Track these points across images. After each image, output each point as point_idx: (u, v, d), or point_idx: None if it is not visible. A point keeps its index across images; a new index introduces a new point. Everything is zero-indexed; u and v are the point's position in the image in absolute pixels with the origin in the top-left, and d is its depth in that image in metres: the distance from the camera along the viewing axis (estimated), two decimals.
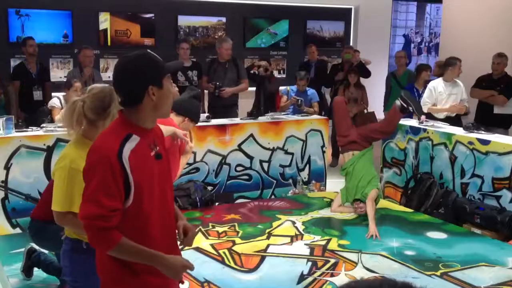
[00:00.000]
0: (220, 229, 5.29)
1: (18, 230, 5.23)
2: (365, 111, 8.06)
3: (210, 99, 7.16)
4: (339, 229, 5.41)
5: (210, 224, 5.40)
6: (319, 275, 4.34)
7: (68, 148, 2.78)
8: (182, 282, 2.41)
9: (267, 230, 5.28)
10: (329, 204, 6.09)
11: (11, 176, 5.17)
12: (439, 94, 6.59)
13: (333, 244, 4.97)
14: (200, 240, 4.98)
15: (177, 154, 3.94)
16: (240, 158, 6.34)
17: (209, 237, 5.08)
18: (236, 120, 6.53)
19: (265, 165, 6.49)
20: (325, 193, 6.67)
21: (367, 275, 4.35)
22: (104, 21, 8.36)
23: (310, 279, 4.27)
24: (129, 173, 2.08)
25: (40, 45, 7.25)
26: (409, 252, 4.83)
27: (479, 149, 5.59)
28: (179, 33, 8.85)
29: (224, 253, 4.73)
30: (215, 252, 4.74)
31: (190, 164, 6.03)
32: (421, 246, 4.98)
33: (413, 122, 6.47)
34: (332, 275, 4.34)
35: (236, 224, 5.43)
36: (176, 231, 2.37)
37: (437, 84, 6.63)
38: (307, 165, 6.78)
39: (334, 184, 6.79)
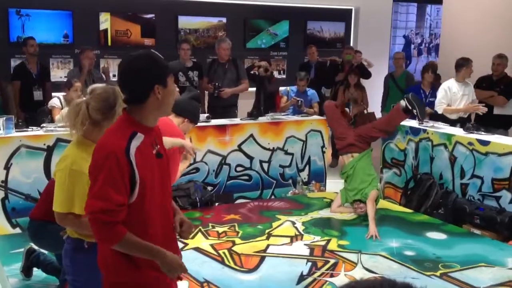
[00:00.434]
0: (220, 229, 5.29)
1: (18, 230, 5.23)
2: (365, 111, 8.06)
3: (209, 100, 7.17)
4: (338, 230, 5.41)
5: (210, 224, 5.40)
6: (319, 276, 4.34)
7: (69, 149, 2.78)
8: (181, 279, 2.48)
9: (267, 231, 5.28)
10: (329, 204, 6.09)
11: (11, 176, 5.17)
12: (453, 94, 6.61)
13: (333, 245, 4.97)
14: (200, 240, 4.98)
15: (177, 158, 3.94)
16: (240, 159, 6.34)
17: (209, 237, 5.08)
18: (236, 121, 6.53)
19: (265, 165, 6.49)
20: (325, 193, 6.67)
21: (366, 275, 4.35)
22: (105, 21, 8.36)
23: (309, 279, 4.27)
24: (135, 169, 2.14)
25: (40, 45, 7.25)
26: (408, 253, 4.83)
27: (479, 149, 5.60)
28: (179, 33, 8.85)
29: (224, 253, 4.73)
30: (215, 252, 4.74)
31: (190, 164, 6.02)
32: (421, 246, 4.98)
33: (413, 123, 6.47)
34: (331, 276, 4.34)
35: (236, 224, 5.44)
36: (174, 226, 2.43)
37: (451, 85, 6.66)
38: (307, 166, 6.78)
39: (334, 184, 6.79)
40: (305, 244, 4.97)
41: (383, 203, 6.20)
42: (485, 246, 5.01)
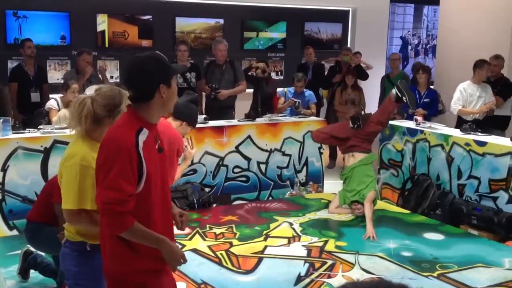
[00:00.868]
0: (217, 230, 5.29)
1: (15, 232, 5.22)
2: (363, 112, 8.07)
3: (207, 101, 7.17)
4: (336, 231, 5.41)
5: (207, 225, 5.40)
6: (316, 277, 4.34)
7: (76, 146, 2.73)
8: (173, 270, 2.60)
9: (265, 232, 5.28)
10: (326, 205, 6.09)
11: (8, 178, 5.17)
12: (469, 95, 6.66)
13: (331, 246, 4.98)
14: (197, 242, 4.98)
15: (174, 158, 3.95)
16: (237, 160, 6.34)
17: (207, 239, 5.07)
18: (234, 122, 6.53)
19: (263, 166, 6.50)
20: (322, 194, 6.67)
21: (364, 276, 4.35)
22: (102, 22, 8.35)
23: (307, 280, 4.28)
24: (143, 162, 2.29)
25: (37, 46, 7.24)
26: (406, 253, 4.84)
27: (476, 150, 5.61)
28: (176, 33, 8.85)
29: (222, 254, 4.73)
30: (212, 254, 4.74)
31: (187, 166, 6.03)
32: (418, 247, 4.99)
33: (410, 124, 6.49)
34: (329, 277, 4.35)
35: (233, 225, 5.43)
36: (173, 218, 2.59)
37: (467, 86, 6.70)
38: (305, 167, 6.79)
39: (332, 185, 6.80)
40: (302, 245, 4.97)
41: (381, 204, 6.21)
42: (482, 247, 5.02)
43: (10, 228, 5.24)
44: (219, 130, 6.25)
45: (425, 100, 7.12)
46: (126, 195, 2.24)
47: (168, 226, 2.51)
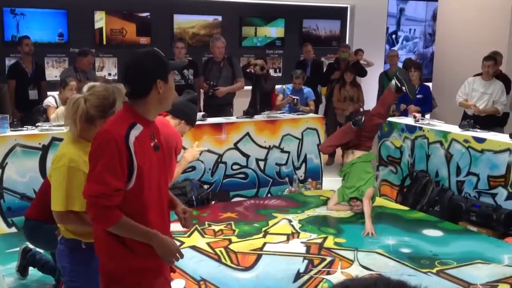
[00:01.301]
0: (216, 227, 5.28)
1: (13, 229, 5.21)
2: (361, 109, 8.07)
3: (205, 98, 7.16)
4: (335, 227, 5.41)
5: (206, 222, 5.40)
6: (316, 273, 4.34)
7: (64, 147, 2.75)
8: (174, 271, 2.59)
9: (264, 229, 5.28)
10: (325, 202, 6.09)
11: (6, 175, 5.15)
12: (473, 90, 6.67)
13: (329, 242, 4.97)
14: (196, 239, 4.98)
15: (172, 155, 3.94)
16: (236, 157, 6.33)
17: (205, 236, 5.07)
18: (232, 119, 6.52)
19: (261, 163, 6.49)
20: (321, 191, 6.67)
21: (363, 273, 4.35)
22: (100, 20, 8.33)
23: (306, 277, 4.27)
24: (133, 156, 2.25)
25: (35, 44, 7.23)
26: (405, 250, 4.84)
27: (475, 147, 5.61)
28: (174, 30, 8.83)
29: (221, 251, 4.73)
30: (211, 251, 4.74)
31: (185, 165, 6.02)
32: (417, 243, 4.99)
33: (409, 120, 6.49)
34: (328, 273, 4.35)
35: (232, 222, 5.43)
36: (177, 215, 2.57)
37: (472, 81, 6.75)
38: (303, 164, 6.78)
39: (330, 182, 6.80)
40: (301, 242, 4.97)
41: (379, 201, 6.21)
42: (481, 243, 5.02)
43: (9, 225, 5.23)
44: (218, 127, 6.24)
45: (418, 96, 7.20)
46: (111, 189, 2.20)
47: (165, 226, 2.47)
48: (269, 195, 6.55)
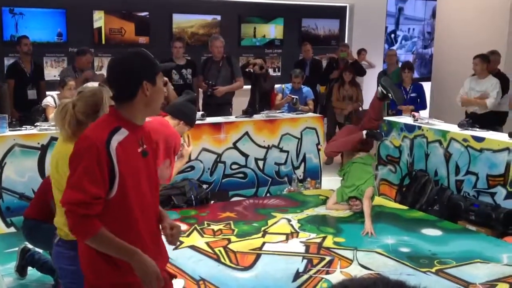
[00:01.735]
0: (215, 227, 5.28)
1: (12, 229, 5.20)
2: (360, 109, 8.08)
3: (204, 98, 7.16)
4: (334, 227, 5.41)
5: (205, 222, 5.39)
6: (315, 273, 4.33)
7: (63, 146, 2.74)
8: (175, 276, 2.46)
9: (263, 228, 5.27)
10: (324, 201, 6.09)
11: (5, 175, 5.15)
12: (470, 89, 6.79)
13: (329, 242, 4.97)
14: (195, 238, 4.98)
15: (171, 156, 3.94)
16: (235, 156, 6.33)
17: (205, 235, 5.07)
18: (231, 118, 6.52)
19: (260, 163, 6.49)
20: (320, 190, 6.67)
21: (362, 272, 4.35)
22: (98, 19, 8.33)
23: (305, 276, 4.27)
24: (115, 163, 2.12)
25: (34, 43, 7.23)
26: (404, 249, 4.84)
27: (474, 146, 5.61)
28: (173, 30, 8.83)
29: (220, 251, 4.72)
30: (210, 250, 4.73)
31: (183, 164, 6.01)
32: (416, 243, 4.99)
33: (408, 120, 6.49)
34: (327, 273, 4.34)
35: (231, 222, 5.43)
36: (163, 230, 2.38)
37: (470, 79, 6.84)
38: (302, 163, 6.78)
39: (329, 182, 6.80)
40: (300, 242, 4.97)
41: (379, 200, 6.21)
42: (480, 242, 5.02)
43: (8, 225, 5.22)
44: (217, 126, 6.24)
45: (411, 95, 7.26)
46: (90, 197, 2.07)
47: (154, 236, 2.33)
48: (268, 194, 6.54)
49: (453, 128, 5.99)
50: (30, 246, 4.14)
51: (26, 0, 7.83)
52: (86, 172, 2.08)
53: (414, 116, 6.43)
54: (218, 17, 9.21)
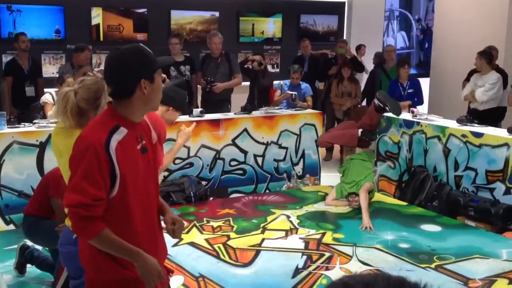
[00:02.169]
0: (214, 223, 5.28)
1: (11, 227, 5.20)
2: (359, 105, 8.07)
3: (203, 94, 7.15)
4: (333, 223, 5.41)
5: (204, 219, 5.39)
6: (314, 269, 4.34)
7: (66, 139, 2.71)
8: (172, 271, 2.49)
9: (262, 225, 5.27)
10: (323, 198, 6.09)
11: (3, 172, 5.14)
12: (474, 85, 6.78)
13: (328, 238, 4.97)
14: (194, 235, 4.97)
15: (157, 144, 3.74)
16: (234, 153, 6.32)
17: (204, 232, 5.06)
18: (230, 115, 6.51)
19: (259, 159, 6.48)
20: (319, 187, 6.67)
21: (361, 268, 4.35)
22: (96, 16, 8.30)
23: (305, 272, 4.27)
24: (115, 164, 2.10)
25: (32, 40, 7.20)
26: (403, 245, 4.84)
27: (473, 141, 5.60)
28: (171, 26, 8.81)
29: (219, 247, 4.72)
30: (209, 247, 4.73)
31: (184, 159, 6.02)
32: (416, 239, 4.99)
33: (407, 116, 6.48)
34: (327, 269, 4.35)
35: (230, 218, 5.43)
36: (165, 224, 2.40)
37: (475, 76, 6.84)
38: (301, 159, 6.78)
39: (329, 178, 6.79)
40: (300, 238, 4.97)
41: (378, 196, 6.21)
42: (480, 238, 5.03)
43: (7, 222, 5.22)
44: (215, 123, 6.23)
45: (409, 91, 7.26)
46: (90, 198, 2.06)
47: (155, 232, 2.34)
48: (267, 191, 6.54)
49: (452, 124, 5.98)
50: (29, 243, 4.13)
51: None
52: (85, 174, 2.07)
53: (413, 112, 6.43)
54: (217, 14, 9.18)
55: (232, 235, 5.01)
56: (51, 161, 4.70)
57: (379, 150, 6.67)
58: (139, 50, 2.19)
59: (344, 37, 10.02)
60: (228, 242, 4.83)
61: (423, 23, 14.28)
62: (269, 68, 9.07)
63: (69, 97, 2.64)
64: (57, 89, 6.04)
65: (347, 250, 4.70)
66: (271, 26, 9.74)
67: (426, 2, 14.09)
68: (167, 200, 5.67)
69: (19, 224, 4.59)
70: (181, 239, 4.75)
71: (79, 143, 2.13)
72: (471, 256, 4.59)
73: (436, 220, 5.51)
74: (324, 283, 4.10)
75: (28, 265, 4.18)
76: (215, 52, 7.03)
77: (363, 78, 9.22)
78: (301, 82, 7.46)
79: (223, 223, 5.31)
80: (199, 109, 6.33)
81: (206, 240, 4.87)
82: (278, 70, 9.71)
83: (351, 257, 4.57)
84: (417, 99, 7.35)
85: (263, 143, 6.49)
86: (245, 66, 7.40)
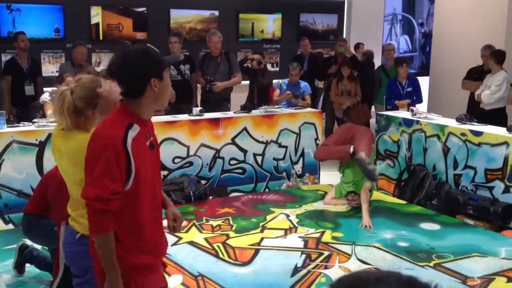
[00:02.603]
0: (214, 223, 5.28)
1: (10, 226, 5.20)
2: (358, 104, 8.06)
3: (202, 93, 7.15)
4: (332, 222, 5.41)
5: (204, 218, 5.40)
6: (313, 268, 4.34)
7: (67, 141, 2.70)
8: (165, 266, 2.63)
9: (261, 224, 5.28)
10: (323, 196, 6.09)
11: (3, 172, 5.14)
12: (486, 86, 6.72)
13: (327, 237, 4.98)
14: (194, 234, 4.98)
15: None
16: (233, 152, 6.32)
17: (203, 231, 5.07)
18: (230, 114, 6.51)
19: (259, 158, 6.48)
20: (318, 186, 6.68)
21: (361, 267, 4.35)
22: (96, 15, 8.31)
23: (304, 271, 4.28)
24: (131, 159, 2.22)
25: (31, 40, 7.20)
26: (402, 244, 4.84)
27: (472, 140, 5.61)
28: (171, 25, 8.81)
29: (218, 246, 4.73)
30: (209, 246, 4.73)
31: (183, 158, 6.02)
32: (415, 237, 5.00)
33: (406, 114, 6.48)
34: (326, 268, 4.35)
35: (230, 217, 5.43)
36: (167, 220, 2.53)
37: (487, 77, 6.77)
38: (301, 158, 6.78)
39: (328, 177, 6.80)
40: (299, 237, 4.97)
41: (377, 195, 6.21)
42: (479, 236, 5.03)
43: (6, 222, 5.22)
44: (215, 122, 6.23)
45: (408, 89, 7.26)
46: (108, 192, 2.18)
47: (158, 225, 2.45)
48: (266, 190, 6.54)
49: (451, 123, 5.99)
50: (28, 243, 4.14)
51: None
52: (105, 169, 2.17)
53: (412, 111, 6.43)
54: (216, 12, 9.18)
55: (232, 234, 5.01)
56: (50, 161, 4.70)
57: (379, 149, 6.67)
58: (147, 51, 2.33)
59: (344, 36, 10.02)
60: (228, 241, 4.84)
61: (425, 27, 14.36)
62: (269, 67, 9.08)
63: (65, 96, 2.62)
64: (56, 88, 6.05)
65: (346, 248, 4.71)
66: (270, 25, 9.74)
67: (428, 6, 14.14)
68: None
69: (18, 224, 4.59)
70: (177, 240, 4.75)
71: (96, 140, 2.23)
72: (470, 255, 4.59)
73: (435, 218, 5.51)
74: (323, 281, 4.10)
75: (27, 265, 4.18)
76: (215, 51, 7.03)
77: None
78: (300, 81, 7.45)
79: (222, 222, 5.31)
80: (199, 108, 6.33)
81: (206, 239, 4.88)
82: (277, 69, 9.72)
83: (350, 255, 4.57)
84: (416, 97, 7.35)
85: (262, 142, 6.49)
86: (245, 65, 7.41)
